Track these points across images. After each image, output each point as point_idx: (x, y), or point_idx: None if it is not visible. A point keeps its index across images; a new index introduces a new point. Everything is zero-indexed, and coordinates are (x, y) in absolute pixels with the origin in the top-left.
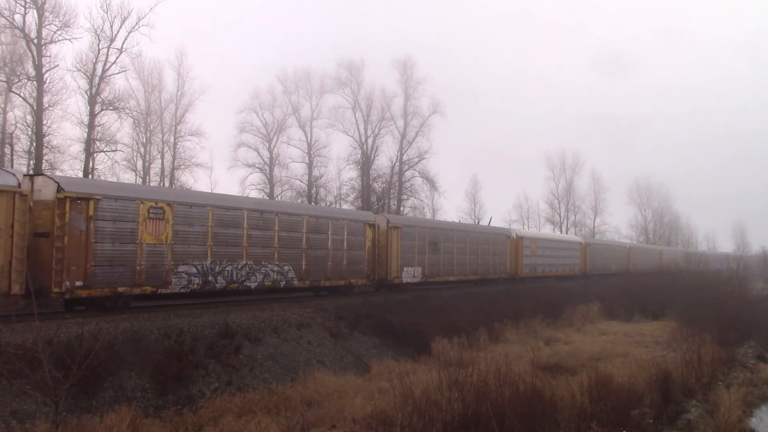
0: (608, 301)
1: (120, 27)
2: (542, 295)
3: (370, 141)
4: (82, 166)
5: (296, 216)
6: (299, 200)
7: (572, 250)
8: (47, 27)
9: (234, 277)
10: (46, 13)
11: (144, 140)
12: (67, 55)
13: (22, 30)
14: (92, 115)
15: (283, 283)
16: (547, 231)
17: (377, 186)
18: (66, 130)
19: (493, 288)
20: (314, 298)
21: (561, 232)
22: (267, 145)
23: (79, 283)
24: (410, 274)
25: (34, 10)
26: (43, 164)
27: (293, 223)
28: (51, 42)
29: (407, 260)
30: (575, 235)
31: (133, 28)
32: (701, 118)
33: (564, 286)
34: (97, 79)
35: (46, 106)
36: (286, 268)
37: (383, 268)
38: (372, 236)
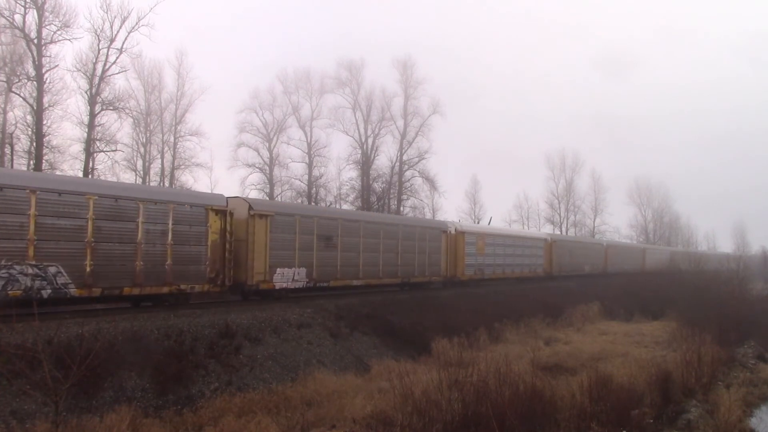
0: (608, 301)
1: (120, 27)
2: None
3: (370, 141)
4: (82, 166)
5: (77, 195)
6: (299, 200)
7: (534, 248)
8: (47, 27)
9: None
10: (46, 13)
11: (144, 140)
12: (67, 55)
13: (22, 30)
14: (92, 115)
15: (46, 292)
16: (500, 225)
17: (377, 186)
18: (66, 130)
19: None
20: (315, 297)
21: (561, 232)
22: (267, 145)
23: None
24: (287, 278)
25: (34, 10)
26: (43, 164)
27: (70, 206)
28: (51, 42)
29: (281, 259)
30: (540, 231)
31: (133, 28)
32: (701, 118)
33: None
34: (97, 79)
35: (46, 106)
36: (53, 270)
37: (242, 269)
38: (219, 226)
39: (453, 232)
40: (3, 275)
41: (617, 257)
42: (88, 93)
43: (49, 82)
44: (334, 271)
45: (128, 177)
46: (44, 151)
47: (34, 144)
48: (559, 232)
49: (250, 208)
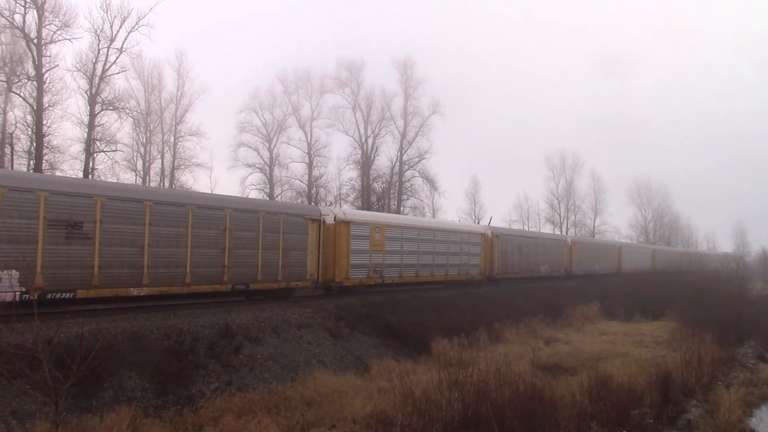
0: (608, 301)
1: (120, 27)
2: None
3: (370, 141)
4: (82, 166)
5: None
6: (299, 200)
7: (466, 244)
8: (47, 27)
9: None
10: (46, 13)
11: (144, 140)
12: (67, 55)
13: (22, 30)
14: (92, 115)
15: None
16: (500, 225)
17: (377, 186)
18: (66, 130)
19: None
20: (315, 297)
21: (561, 232)
22: (267, 145)
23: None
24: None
25: (34, 10)
26: (43, 164)
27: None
28: (51, 42)
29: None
30: (481, 224)
31: (133, 28)
32: (701, 118)
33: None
34: (97, 79)
35: (46, 106)
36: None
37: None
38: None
39: (331, 221)
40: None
41: (587, 256)
42: (88, 93)
43: (49, 82)
44: (77, 275)
45: (128, 177)
46: (44, 151)
47: (34, 144)
48: (508, 226)
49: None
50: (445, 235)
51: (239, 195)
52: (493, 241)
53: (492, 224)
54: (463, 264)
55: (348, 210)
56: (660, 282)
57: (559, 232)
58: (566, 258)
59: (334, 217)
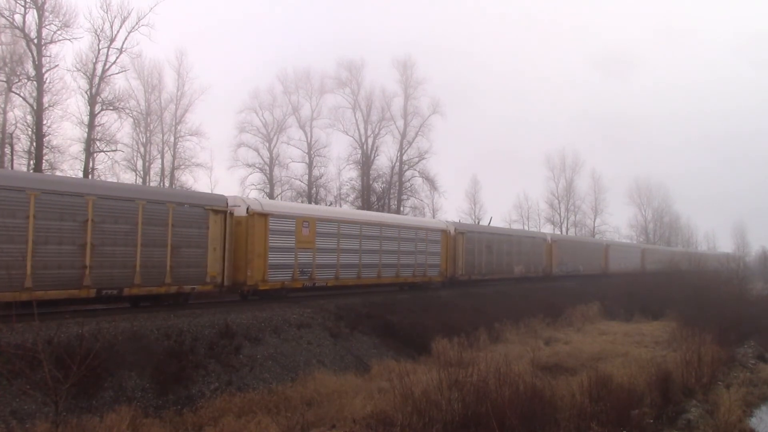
0: (608, 301)
1: (120, 27)
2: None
3: (370, 141)
4: (82, 166)
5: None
6: (299, 200)
7: (423, 241)
8: (47, 27)
9: None
10: (46, 13)
11: (144, 140)
12: (67, 55)
13: (22, 30)
14: (92, 115)
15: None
16: (498, 224)
17: (377, 186)
18: (66, 130)
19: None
20: (315, 297)
21: (561, 232)
22: (267, 145)
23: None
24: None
25: (34, 10)
26: (43, 164)
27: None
28: (51, 42)
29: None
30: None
31: (133, 28)
32: (701, 117)
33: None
34: (97, 79)
35: (46, 106)
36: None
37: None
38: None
39: (244, 212)
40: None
41: (569, 255)
42: (88, 93)
43: (49, 82)
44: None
45: (128, 177)
46: (44, 151)
47: (34, 144)
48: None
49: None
50: (395, 231)
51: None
52: (457, 238)
53: (492, 224)
54: (418, 264)
55: (267, 201)
56: (651, 283)
57: (559, 232)
58: (545, 257)
59: (247, 209)
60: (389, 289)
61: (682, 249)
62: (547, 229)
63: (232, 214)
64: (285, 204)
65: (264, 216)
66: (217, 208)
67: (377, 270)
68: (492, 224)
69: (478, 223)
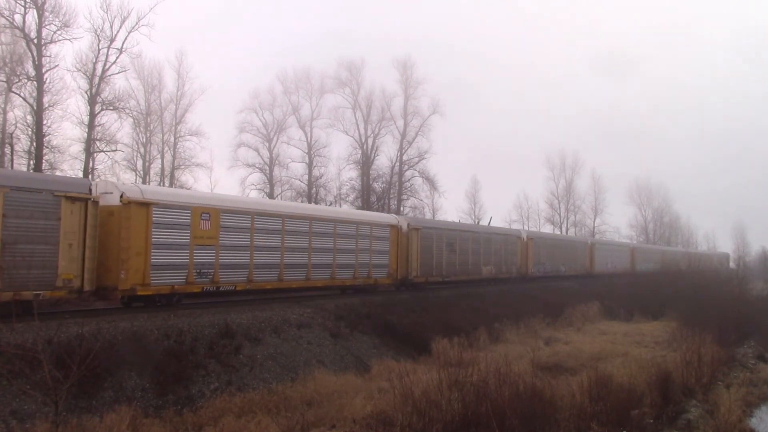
0: (608, 300)
1: (120, 27)
2: None
3: (370, 141)
4: (82, 166)
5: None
6: (299, 200)
7: (366, 238)
8: (47, 27)
9: None
10: (46, 13)
11: (144, 140)
12: (67, 55)
13: (22, 30)
14: (92, 115)
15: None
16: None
17: (377, 186)
18: (66, 130)
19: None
20: (314, 297)
21: (561, 233)
22: (267, 145)
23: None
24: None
25: (34, 10)
26: (43, 164)
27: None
28: (51, 42)
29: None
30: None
31: (133, 28)
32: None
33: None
34: (97, 79)
35: (46, 106)
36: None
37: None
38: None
39: (116, 201)
40: None
41: (548, 254)
42: (88, 93)
43: (49, 82)
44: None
45: (128, 177)
46: (44, 151)
47: (34, 144)
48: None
49: (408, 224)
50: (330, 226)
51: (239, 195)
52: (411, 235)
53: (492, 224)
54: (360, 264)
55: (151, 187)
56: (644, 284)
57: (558, 231)
58: (521, 257)
59: (121, 197)
60: (324, 292)
61: (672, 248)
62: (547, 228)
63: (96, 202)
64: (177, 192)
65: (145, 205)
66: (73, 195)
67: (305, 271)
68: (492, 224)
69: (478, 223)
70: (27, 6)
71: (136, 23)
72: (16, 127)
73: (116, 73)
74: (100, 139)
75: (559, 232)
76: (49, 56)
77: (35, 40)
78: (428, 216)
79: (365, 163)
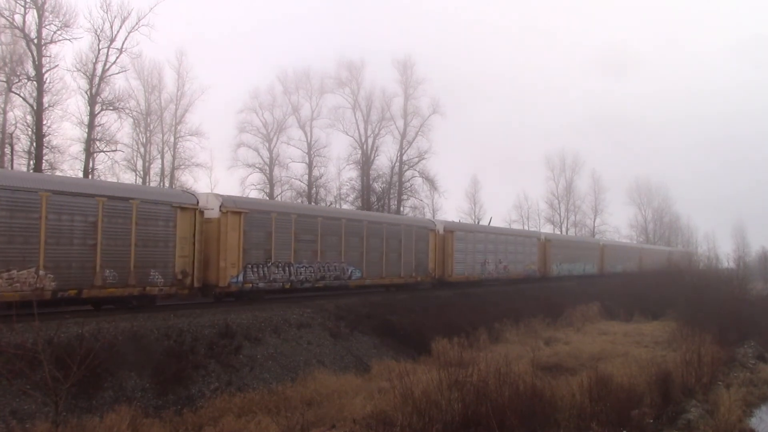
0: (608, 301)
1: (120, 27)
2: None
3: (370, 141)
4: (82, 166)
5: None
6: (299, 200)
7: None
8: (47, 27)
9: None
10: (46, 13)
11: (144, 140)
12: (67, 55)
13: (22, 30)
14: (92, 115)
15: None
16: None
17: (377, 186)
18: (66, 130)
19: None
20: (314, 297)
21: (561, 233)
22: (267, 145)
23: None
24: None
25: (34, 10)
26: (43, 164)
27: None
28: (51, 42)
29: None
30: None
31: (133, 28)
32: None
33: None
34: (97, 79)
35: (46, 106)
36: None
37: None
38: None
39: (224, 209)
40: None
41: (467, 250)
42: (88, 93)
43: (49, 82)
44: None
45: (128, 177)
46: (44, 151)
47: (34, 144)
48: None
49: (445, 228)
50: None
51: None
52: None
53: (492, 224)
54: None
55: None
56: (647, 284)
57: (559, 231)
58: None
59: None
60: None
61: (652, 247)
62: (547, 229)
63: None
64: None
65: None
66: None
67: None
68: (492, 224)
69: (483, 223)
70: (27, 6)
71: (136, 23)
72: (16, 127)
73: (116, 73)
74: (100, 139)
75: (559, 232)
76: (49, 56)
77: (35, 40)
78: (428, 216)
79: (365, 163)
